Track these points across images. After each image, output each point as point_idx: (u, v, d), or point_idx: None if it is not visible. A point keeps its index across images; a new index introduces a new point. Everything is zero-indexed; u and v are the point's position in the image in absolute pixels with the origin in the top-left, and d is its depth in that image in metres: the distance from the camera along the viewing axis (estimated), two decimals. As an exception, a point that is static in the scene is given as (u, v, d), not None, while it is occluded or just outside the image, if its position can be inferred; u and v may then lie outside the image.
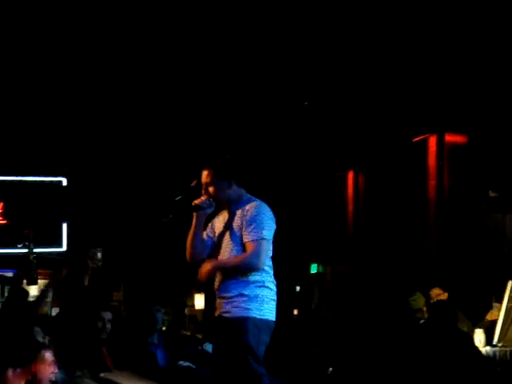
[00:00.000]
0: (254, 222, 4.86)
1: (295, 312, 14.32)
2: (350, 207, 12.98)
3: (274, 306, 4.95)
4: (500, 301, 8.22)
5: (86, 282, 7.05)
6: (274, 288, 4.96)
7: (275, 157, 13.18)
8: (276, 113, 11.29)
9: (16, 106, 11.63)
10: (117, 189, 15.01)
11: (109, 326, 6.46)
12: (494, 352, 7.68)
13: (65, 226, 14.73)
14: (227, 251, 4.96)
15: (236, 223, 4.95)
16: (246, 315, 4.83)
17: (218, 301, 4.98)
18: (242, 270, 4.87)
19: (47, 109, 11.86)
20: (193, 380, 5.26)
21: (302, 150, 12.71)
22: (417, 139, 10.85)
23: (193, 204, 5.01)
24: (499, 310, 8.11)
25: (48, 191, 14.68)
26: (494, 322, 8.07)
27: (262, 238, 4.82)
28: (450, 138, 10.58)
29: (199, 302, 17.54)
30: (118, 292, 17.03)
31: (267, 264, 4.92)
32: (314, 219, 14.03)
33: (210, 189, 5.01)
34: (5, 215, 14.39)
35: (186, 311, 17.29)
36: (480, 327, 8.07)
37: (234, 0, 8.42)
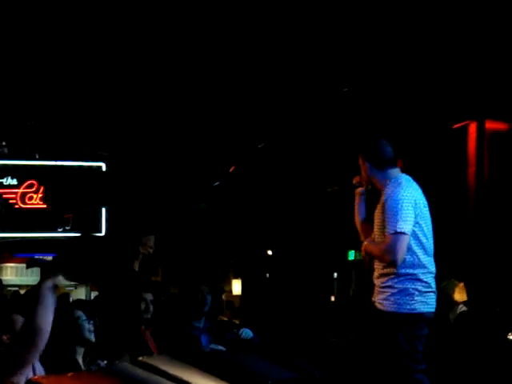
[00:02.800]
0: (389, 212, 4.85)
1: (332, 298, 14.31)
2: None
3: (432, 296, 4.91)
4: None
5: (137, 268, 7.01)
6: (430, 279, 4.89)
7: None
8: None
9: (56, 93, 11.76)
10: (154, 174, 15.10)
11: (151, 307, 6.41)
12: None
13: (104, 210, 14.87)
14: (374, 232, 5.03)
15: (377, 209, 5.02)
16: (396, 311, 4.78)
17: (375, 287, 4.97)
18: (380, 261, 4.87)
19: (87, 95, 11.97)
20: (226, 364, 5.19)
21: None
22: (457, 126, 10.75)
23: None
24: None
25: (88, 176, 14.81)
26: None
27: (396, 232, 4.75)
28: (490, 125, 10.46)
29: (237, 287, 17.57)
30: (156, 277, 17.14)
31: (418, 256, 4.85)
32: (348, 208, 13.95)
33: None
34: (45, 200, 14.55)
35: (224, 297, 17.33)
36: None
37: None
